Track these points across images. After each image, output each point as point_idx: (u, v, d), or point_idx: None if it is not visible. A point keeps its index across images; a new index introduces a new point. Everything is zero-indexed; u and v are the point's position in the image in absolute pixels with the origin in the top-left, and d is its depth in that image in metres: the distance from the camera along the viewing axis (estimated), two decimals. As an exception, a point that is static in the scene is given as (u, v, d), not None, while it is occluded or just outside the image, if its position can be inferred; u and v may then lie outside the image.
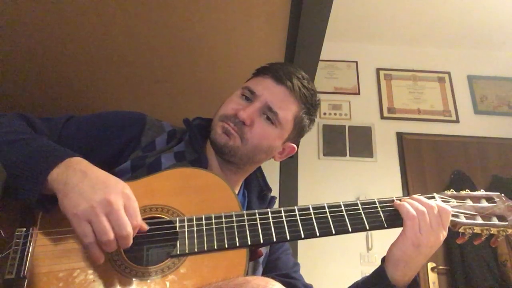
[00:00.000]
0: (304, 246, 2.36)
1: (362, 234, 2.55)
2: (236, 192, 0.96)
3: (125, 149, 0.84)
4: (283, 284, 0.92)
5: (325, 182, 2.72)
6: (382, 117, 2.97)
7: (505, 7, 2.80)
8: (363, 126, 2.91)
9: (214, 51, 1.77)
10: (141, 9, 1.60)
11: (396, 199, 0.80)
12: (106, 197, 0.61)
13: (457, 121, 2.96)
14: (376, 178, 2.72)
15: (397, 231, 0.77)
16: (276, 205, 1.02)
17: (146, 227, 0.67)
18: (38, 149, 0.67)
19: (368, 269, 0.87)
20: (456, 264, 2.41)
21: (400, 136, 2.88)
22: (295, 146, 0.97)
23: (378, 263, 0.81)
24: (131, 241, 0.62)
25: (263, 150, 0.90)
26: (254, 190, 0.99)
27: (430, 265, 2.48)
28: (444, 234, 0.75)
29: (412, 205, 0.76)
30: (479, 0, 2.77)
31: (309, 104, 0.92)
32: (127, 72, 1.99)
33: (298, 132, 0.94)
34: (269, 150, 0.91)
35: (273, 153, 0.93)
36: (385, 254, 0.80)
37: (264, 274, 0.94)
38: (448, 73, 3.13)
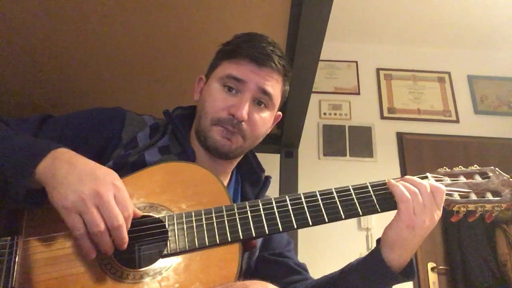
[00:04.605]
0: (305, 246, 2.36)
1: (362, 234, 2.55)
2: (227, 180, 0.94)
3: (105, 148, 0.80)
4: (277, 263, 0.92)
5: (325, 182, 2.70)
6: (382, 117, 2.96)
7: (505, 7, 2.80)
8: (363, 126, 2.91)
9: (215, 51, 1.76)
10: (141, 9, 1.60)
11: (370, 184, 0.78)
12: (95, 188, 0.60)
13: (457, 121, 2.96)
14: (376, 178, 2.69)
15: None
16: (271, 186, 1.00)
17: (139, 212, 0.66)
18: (22, 143, 0.65)
19: (368, 269, 0.86)
20: (456, 264, 2.41)
21: (400, 136, 2.88)
22: (280, 113, 0.97)
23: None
24: (125, 234, 0.61)
25: (262, 135, 0.90)
26: (247, 173, 0.97)
27: (430, 265, 2.48)
28: (438, 214, 0.73)
29: (405, 187, 0.74)
30: (479, 0, 2.77)
31: (288, 72, 0.90)
32: (127, 72, 1.99)
33: (282, 101, 0.94)
34: (266, 132, 0.91)
35: (268, 131, 0.93)
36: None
37: (259, 253, 0.93)
38: (448, 73, 3.13)
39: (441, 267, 2.48)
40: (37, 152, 0.63)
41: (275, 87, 0.86)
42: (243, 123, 0.83)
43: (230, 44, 0.89)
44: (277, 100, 0.89)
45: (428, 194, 0.73)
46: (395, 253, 0.74)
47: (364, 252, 2.51)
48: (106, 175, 0.63)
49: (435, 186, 0.75)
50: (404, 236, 0.72)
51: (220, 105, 0.83)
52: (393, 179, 0.79)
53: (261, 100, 0.85)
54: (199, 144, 0.87)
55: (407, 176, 0.78)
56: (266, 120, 0.87)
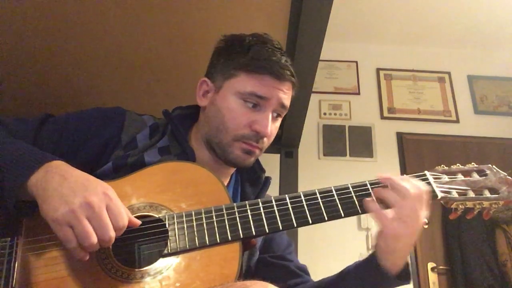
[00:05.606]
0: (305, 246, 2.36)
1: (363, 234, 2.55)
2: (228, 180, 0.94)
3: (105, 149, 0.80)
4: (277, 267, 0.92)
5: (325, 182, 2.67)
6: (382, 117, 2.96)
7: (505, 7, 2.80)
8: (363, 126, 2.91)
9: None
10: (141, 9, 1.60)
11: (369, 182, 0.77)
12: (86, 200, 0.58)
13: (457, 121, 2.96)
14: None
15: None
16: (271, 186, 1.00)
17: (137, 222, 0.65)
18: (16, 153, 0.64)
19: (368, 269, 0.85)
20: (456, 264, 2.41)
21: (400, 136, 2.88)
22: None
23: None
24: (111, 243, 0.61)
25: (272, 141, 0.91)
26: (247, 173, 0.97)
27: (430, 265, 2.48)
28: (424, 215, 0.71)
29: (385, 200, 0.72)
30: (479, 1, 2.77)
31: (296, 80, 0.90)
32: (127, 71, 1.99)
33: None
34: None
35: None
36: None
37: (259, 255, 0.93)
38: (448, 73, 3.13)
39: (441, 267, 2.47)
40: (30, 164, 0.63)
41: (289, 99, 0.88)
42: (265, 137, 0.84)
43: (243, 52, 0.85)
44: (288, 107, 0.90)
45: (413, 202, 0.70)
46: (389, 260, 0.73)
47: (364, 252, 2.51)
48: (98, 185, 0.62)
49: (423, 190, 0.72)
50: (392, 246, 0.72)
51: (243, 121, 0.82)
52: (372, 181, 0.77)
53: (278, 112, 0.87)
54: (210, 153, 0.87)
55: (391, 177, 0.76)
56: (277, 128, 0.90)
